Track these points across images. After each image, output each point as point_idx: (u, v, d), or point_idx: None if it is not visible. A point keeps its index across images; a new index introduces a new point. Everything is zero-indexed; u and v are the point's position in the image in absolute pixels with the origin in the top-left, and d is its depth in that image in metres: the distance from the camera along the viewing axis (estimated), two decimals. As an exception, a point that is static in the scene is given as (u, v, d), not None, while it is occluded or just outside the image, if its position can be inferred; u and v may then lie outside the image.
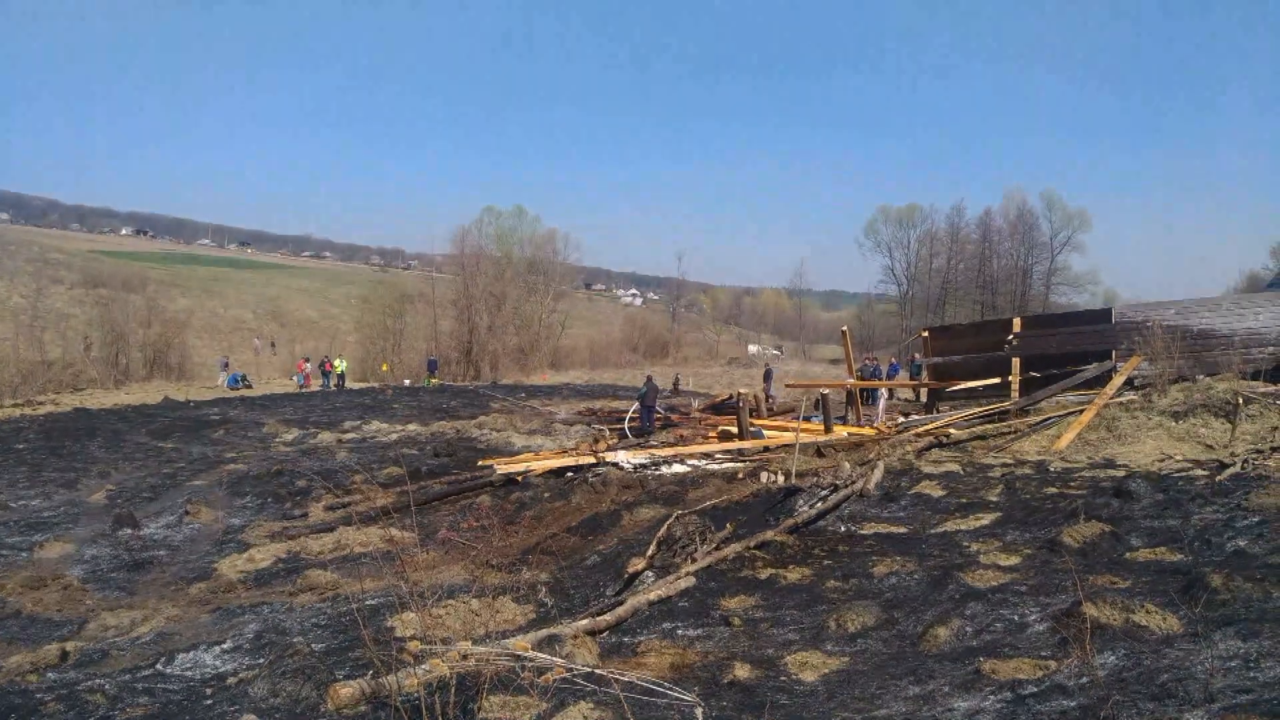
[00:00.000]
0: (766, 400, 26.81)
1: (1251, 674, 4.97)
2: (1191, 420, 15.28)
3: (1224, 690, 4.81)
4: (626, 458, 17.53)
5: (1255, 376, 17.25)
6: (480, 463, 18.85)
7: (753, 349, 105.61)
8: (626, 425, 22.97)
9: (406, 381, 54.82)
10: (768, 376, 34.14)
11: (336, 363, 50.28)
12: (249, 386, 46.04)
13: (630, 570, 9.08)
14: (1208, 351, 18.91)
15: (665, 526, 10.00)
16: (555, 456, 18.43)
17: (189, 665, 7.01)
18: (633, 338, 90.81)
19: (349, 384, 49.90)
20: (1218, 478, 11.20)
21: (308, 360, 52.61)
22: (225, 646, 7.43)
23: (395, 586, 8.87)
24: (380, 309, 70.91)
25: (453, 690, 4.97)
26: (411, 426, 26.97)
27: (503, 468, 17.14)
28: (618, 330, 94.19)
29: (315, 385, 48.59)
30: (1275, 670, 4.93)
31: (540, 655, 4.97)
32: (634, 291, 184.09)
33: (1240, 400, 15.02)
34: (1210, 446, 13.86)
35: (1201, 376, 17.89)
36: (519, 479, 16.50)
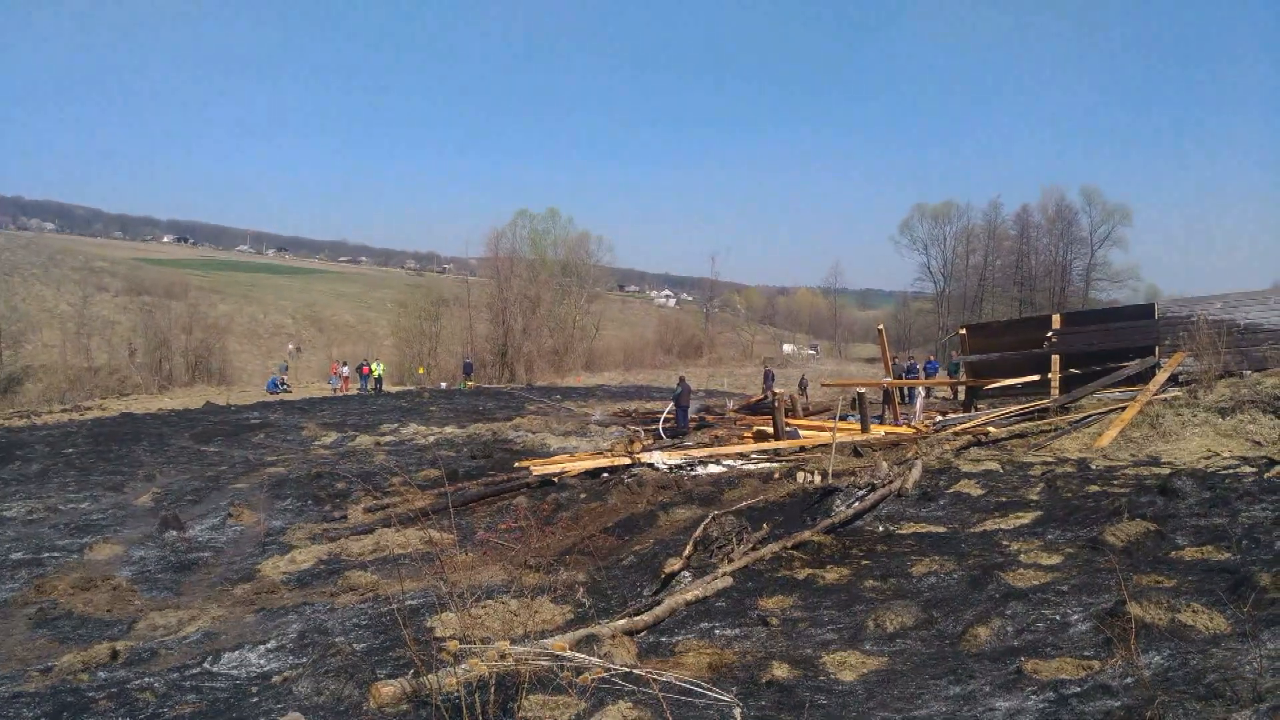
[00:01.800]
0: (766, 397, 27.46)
1: (1302, 674, 4.87)
2: (1239, 416, 14.96)
3: (1273, 690, 4.71)
4: (662, 458, 17.54)
5: (1304, 371, 16.86)
6: (516, 464, 18.97)
7: (787, 348, 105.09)
8: (661, 426, 22.98)
9: (443, 384, 55.29)
10: (768, 378, 34.57)
11: (374, 366, 50.85)
12: (288, 390, 46.68)
13: (667, 570, 9.09)
14: (1255, 346, 18.50)
15: (702, 527, 10.00)
16: (590, 458, 18.48)
17: (235, 664, 7.14)
18: (667, 338, 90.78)
19: (386, 387, 50.42)
20: (1266, 475, 10.97)
21: (344, 364, 53.24)
22: (269, 646, 7.56)
23: (434, 587, 8.96)
24: (416, 312, 71.57)
25: (493, 690, 5.03)
26: (448, 429, 27.20)
27: (539, 469, 17.23)
28: (651, 331, 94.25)
29: (353, 389, 49.16)
30: (1327, 670, 4.82)
31: (578, 655, 5.01)
32: (668, 292, 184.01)
33: (1290, 395, 14.68)
34: (1259, 443, 13.56)
35: (1249, 372, 17.52)
36: (555, 480, 16.58)
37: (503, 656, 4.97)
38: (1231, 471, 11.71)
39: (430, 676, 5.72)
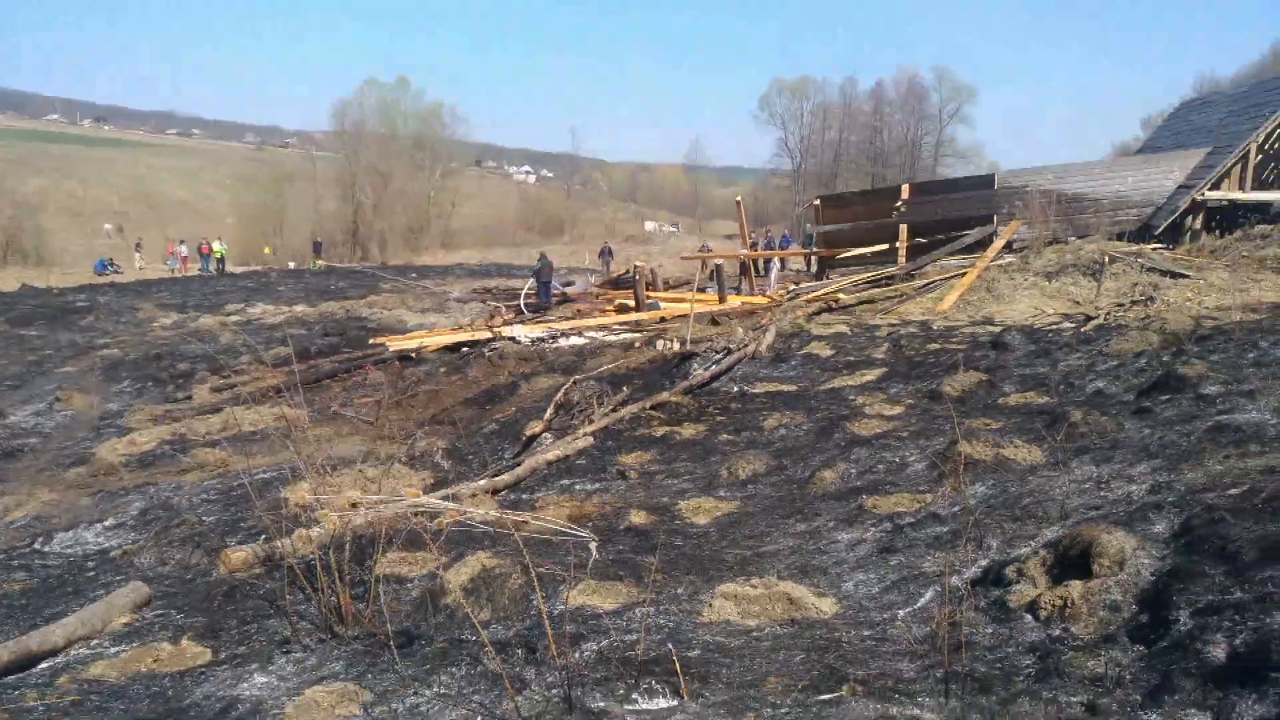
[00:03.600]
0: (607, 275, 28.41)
1: (1101, 493, 5.38)
2: (1062, 279, 16.07)
3: (1078, 508, 5.19)
4: (524, 332, 17.42)
5: (1120, 237, 18.17)
6: (372, 341, 18.44)
7: (650, 226, 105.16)
8: (522, 301, 22.75)
9: (291, 264, 52.70)
10: (605, 253, 35.32)
11: (215, 245, 47.82)
12: (119, 272, 43.48)
13: (528, 433, 9.13)
14: (1080, 214, 19.76)
15: (563, 391, 10.06)
16: (450, 333, 18.16)
17: (69, 543, 6.77)
18: (527, 216, 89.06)
19: (230, 268, 47.65)
20: (1083, 329, 11.89)
21: (182, 243, 49.82)
22: (107, 524, 7.19)
23: (288, 461, 8.70)
24: (259, 189, 67.27)
25: (348, 547, 4.95)
26: (299, 308, 26.07)
27: (396, 344, 16.81)
28: (511, 209, 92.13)
29: (193, 269, 46.26)
30: (1122, 489, 5.34)
31: (432, 499, 4.98)
32: (527, 168, 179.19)
33: (1106, 259, 15.82)
34: (1078, 303, 14.64)
35: (1073, 238, 18.74)
36: (413, 355, 16.24)
37: (354, 505, 4.88)
38: (1054, 327, 12.64)
39: (283, 540, 5.59)
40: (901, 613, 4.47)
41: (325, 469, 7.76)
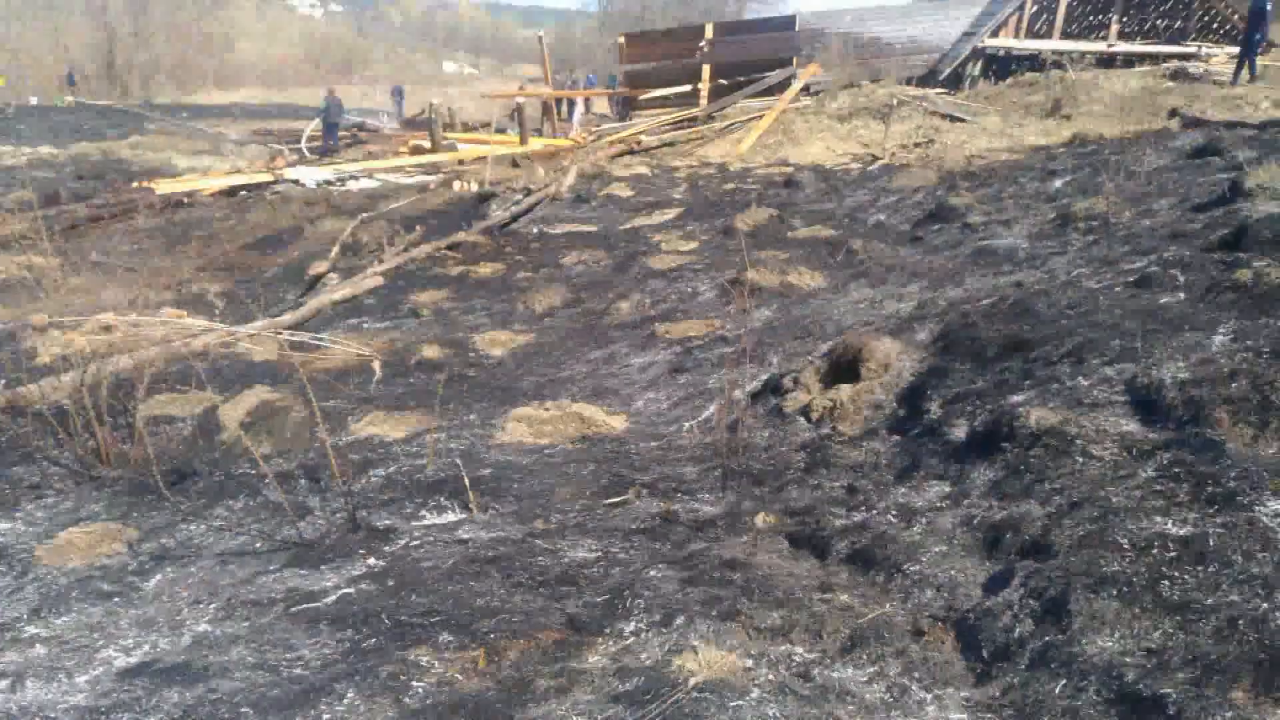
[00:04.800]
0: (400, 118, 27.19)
1: (875, 311, 5.72)
2: (854, 122, 16.64)
3: (853, 325, 5.51)
4: (309, 174, 16.25)
5: (909, 82, 18.91)
6: (137, 184, 16.66)
7: (449, 67, 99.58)
8: (304, 143, 21.15)
9: (33, 99, 46.28)
10: (398, 94, 33.83)
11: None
12: None
13: (313, 273, 8.63)
14: (876, 58, 20.33)
15: (350, 230, 9.52)
16: (227, 176, 16.68)
17: None
18: (315, 54, 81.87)
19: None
20: (868, 168, 12.42)
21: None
22: None
23: (37, 311, 7.82)
24: (-14, 12, 57.76)
25: (105, 386, 4.53)
26: (44, 149, 23.06)
27: (165, 188, 15.27)
28: (297, 46, 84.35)
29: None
30: (893, 306, 5.69)
31: (198, 321, 4.60)
32: (313, 1, 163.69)
33: (895, 103, 16.47)
34: (867, 144, 15.23)
35: (866, 82, 19.31)
36: (185, 200, 14.83)
37: (107, 328, 4.44)
38: (844, 168, 13.14)
39: (31, 386, 5.07)
40: (688, 424, 4.64)
41: (83, 316, 7.04)
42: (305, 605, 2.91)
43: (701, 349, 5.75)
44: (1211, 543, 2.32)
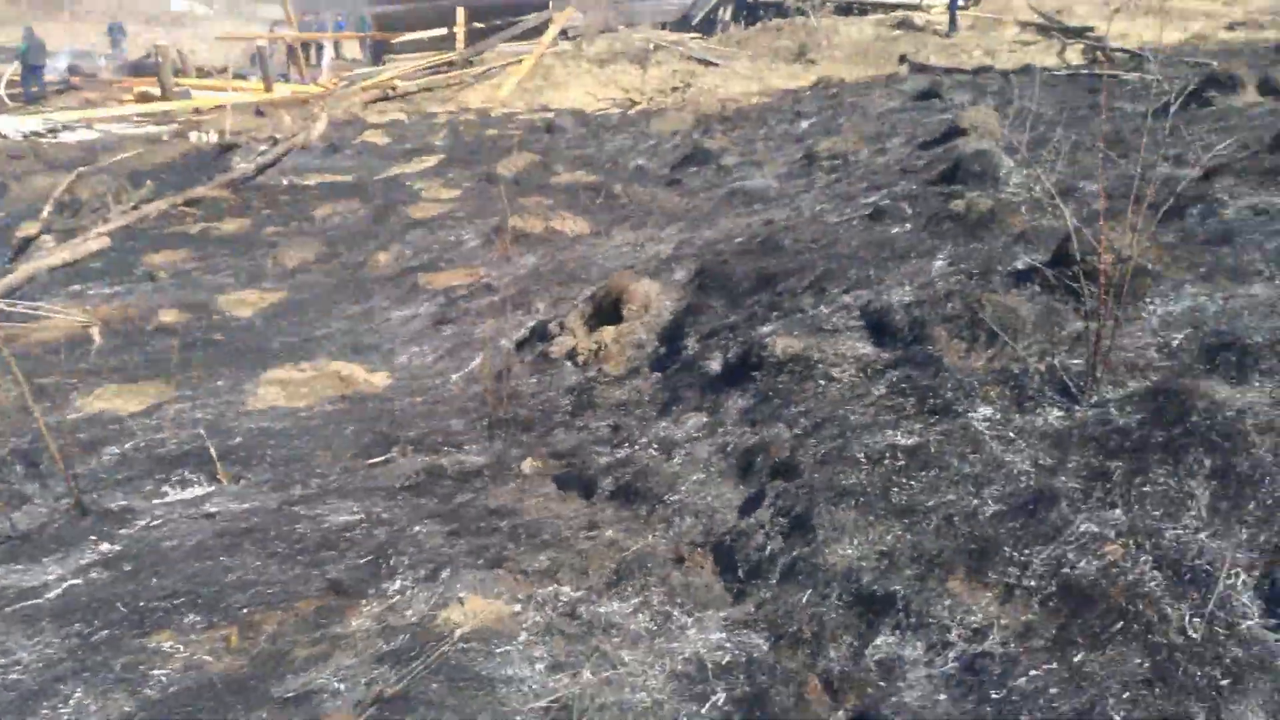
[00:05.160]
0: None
1: (637, 253, 5.82)
2: (614, 67, 16.74)
3: (616, 268, 5.57)
4: (12, 124, 14.28)
5: (664, 26, 19.24)
6: None
7: (178, 4, 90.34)
8: (3, 90, 18.52)
9: None
10: (116, 32, 30.66)
11: None
12: None
13: (21, 236, 7.61)
14: (631, 1, 20.46)
15: (65, 186, 8.48)
16: (-96, 126, 14.33)
17: None
18: (10, -13, 71.54)
19: None
20: (628, 112, 12.57)
21: None
22: None
23: None
24: None
25: None
26: None
27: None
28: (-15, -24, 73.30)
29: None
30: (654, 248, 5.81)
31: None
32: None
33: (651, 48, 16.72)
34: (627, 89, 15.40)
35: (623, 27, 19.45)
36: None
37: None
38: (604, 112, 13.22)
39: None
40: (454, 377, 4.54)
41: None
42: (22, 604, 2.60)
43: (466, 299, 5.63)
44: (932, 449, 2.55)
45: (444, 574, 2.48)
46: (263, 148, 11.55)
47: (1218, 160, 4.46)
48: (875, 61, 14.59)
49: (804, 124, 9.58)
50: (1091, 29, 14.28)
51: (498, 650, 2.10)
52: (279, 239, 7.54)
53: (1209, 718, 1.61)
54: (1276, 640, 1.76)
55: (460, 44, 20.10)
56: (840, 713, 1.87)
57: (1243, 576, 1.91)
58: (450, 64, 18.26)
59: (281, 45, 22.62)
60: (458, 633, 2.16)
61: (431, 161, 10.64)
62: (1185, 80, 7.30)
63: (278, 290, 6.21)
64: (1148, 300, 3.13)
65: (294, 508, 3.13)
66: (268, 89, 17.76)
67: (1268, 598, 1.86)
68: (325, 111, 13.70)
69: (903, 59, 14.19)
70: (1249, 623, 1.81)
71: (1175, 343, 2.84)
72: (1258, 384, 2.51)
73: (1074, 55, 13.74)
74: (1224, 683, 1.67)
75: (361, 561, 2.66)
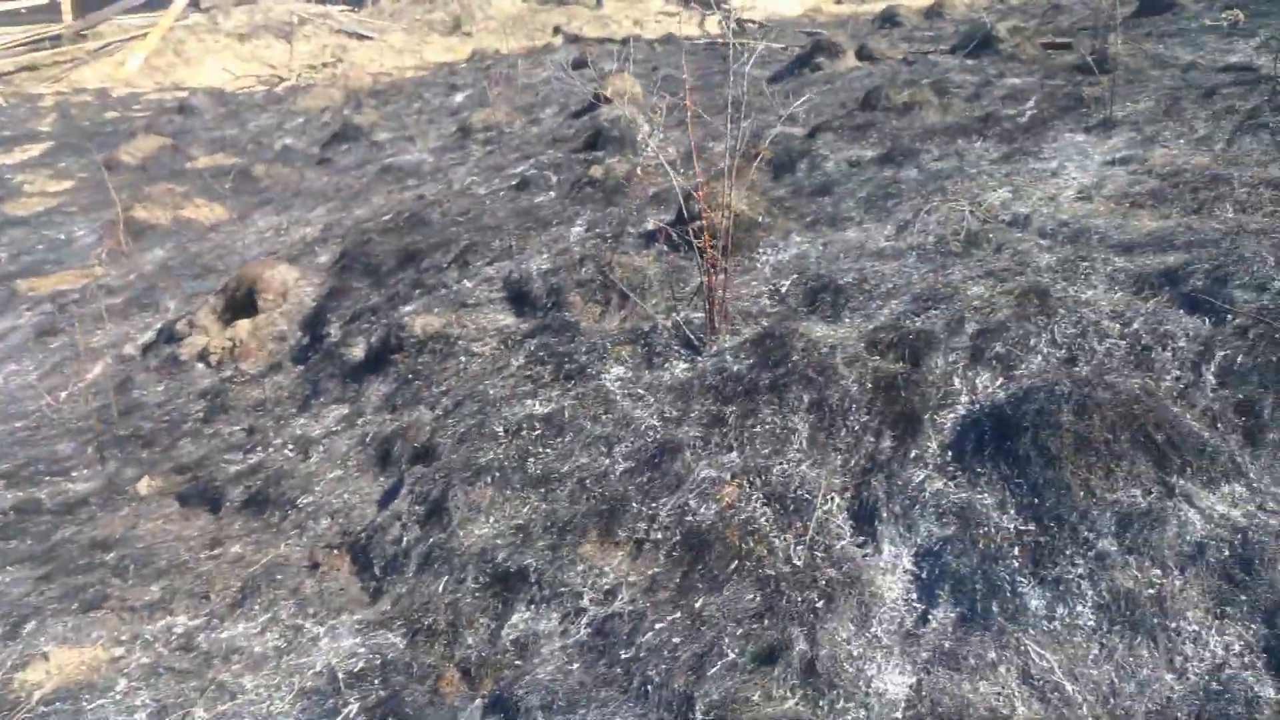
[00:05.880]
0: None
1: (281, 238, 5.40)
2: (256, 42, 15.42)
3: (258, 256, 5.13)
4: None
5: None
6: None
7: None
8: None
9: None
10: None
11: None
12: None
13: None
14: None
15: None
16: None
17: None
18: None
19: None
20: (274, 90, 11.68)
21: None
22: None
23: None
24: None
25: None
26: None
27: None
28: None
29: None
30: (300, 231, 5.42)
31: None
32: None
33: (296, 20, 15.62)
34: (273, 66, 14.27)
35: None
36: None
37: None
38: (247, 90, 12.18)
39: None
40: (64, 394, 3.95)
41: None
42: None
43: (79, 304, 4.92)
44: (567, 415, 2.57)
45: (27, 628, 2.12)
46: None
47: (820, 119, 4.93)
48: (530, 33, 14.69)
49: (459, 97, 9.42)
50: (726, 1, 15.34)
51: (89, 707, 1.83)
52: None
53: (807, 638, 1.73)
54: (864, 556, 1.94)
55: (67, 15, 17.57)
56: (478, 700, 1.81)
57: (837, 500, 2.09)
58: (58, 38, 15.90)
59: None
60: (36, 695, 1.85)
61: (37, 150, 9.24)
62: (801, 48, 8.04)
63: None
64: (761, 250, 3.37)
65: None
66: None
67: (857, 516, 2.05)
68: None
69: (556, 30, 14.39)
70: (842, 543, 1.98)
71: (784, 289, 3.07)
72: (848, 321, 2.77)
73: (712, 25, 14.69)
74: (819, 604, 1.81)
75: (-81, 632, 2.21)
